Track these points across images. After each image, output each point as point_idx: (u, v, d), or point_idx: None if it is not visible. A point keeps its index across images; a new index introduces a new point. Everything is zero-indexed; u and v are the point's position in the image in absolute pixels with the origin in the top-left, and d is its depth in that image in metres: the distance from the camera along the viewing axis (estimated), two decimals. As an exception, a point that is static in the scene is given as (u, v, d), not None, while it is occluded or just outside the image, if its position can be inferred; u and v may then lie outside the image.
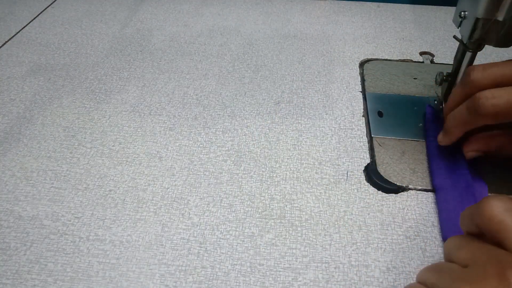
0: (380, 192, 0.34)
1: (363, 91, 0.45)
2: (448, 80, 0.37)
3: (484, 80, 0.28)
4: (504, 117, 0.27)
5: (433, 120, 0.39)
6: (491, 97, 0.27)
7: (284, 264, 0.29)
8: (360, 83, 0.47)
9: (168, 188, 0.34)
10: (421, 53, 0.52)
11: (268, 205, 0.33)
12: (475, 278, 0.19)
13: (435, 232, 0.31)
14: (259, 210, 0.33)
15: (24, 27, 0.58)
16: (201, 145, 0.38)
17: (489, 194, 0.32)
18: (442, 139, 0.34)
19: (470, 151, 0.33)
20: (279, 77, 0.48)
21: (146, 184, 0.35)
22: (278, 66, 0.49)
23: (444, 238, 0.30)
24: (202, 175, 0.36)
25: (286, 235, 0.31)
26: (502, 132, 0.32)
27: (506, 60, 0.29)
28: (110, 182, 0.35)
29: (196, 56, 0.51)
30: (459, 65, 0.36)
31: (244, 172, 0.36)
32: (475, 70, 0.29)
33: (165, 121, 0.41)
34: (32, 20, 0.59)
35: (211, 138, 0.39)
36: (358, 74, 0.48)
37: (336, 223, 0.32)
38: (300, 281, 0.28)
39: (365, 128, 0.40)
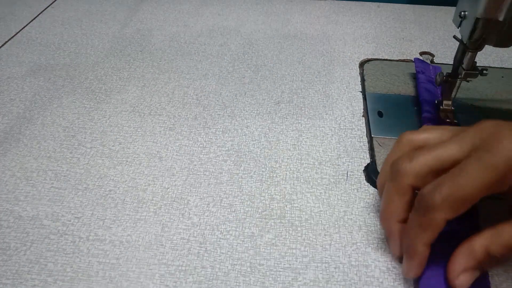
0: (380, 192, 0.34)
1: (363, 91, 0.45)
2: (448, 80, 0.37)
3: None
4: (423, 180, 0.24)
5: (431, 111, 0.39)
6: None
7: (284, 264, 0.29)
8: (360, 83, 0.47)
9: (168, 188, 0.34)
10: (421, 53, 0.52)
11: (268, 205, 0.33)
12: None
13: (435, 232, 0.31)
14: (259, 210, 0.33)
15: (24, 27, 0.58)
16: (201, 145, 0.38)
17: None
18: (406, 270, 0.26)
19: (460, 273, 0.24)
20: (279, 77, 0.48)
21: (146, 184, 0.35)
22: (278, 66, 0.49)
23: None
24: (202, 175, 0.36)
25: (286, 235, 0.31)
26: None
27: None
28: (110, 182, 0.35)
29: (196, 56, 0.51)
30: (459, 65, 0.36)
31: (244, 172, 0.36)
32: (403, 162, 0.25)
33: (165, 121, 0.41)
34: (32, 20, 0.59)
35: (211, 138, 0.39)
36: (358, 74, 0.48)
37: (336, 223, 0.32)
38: (300, 281, 0.28)
39: (365, 128, 0.40)
